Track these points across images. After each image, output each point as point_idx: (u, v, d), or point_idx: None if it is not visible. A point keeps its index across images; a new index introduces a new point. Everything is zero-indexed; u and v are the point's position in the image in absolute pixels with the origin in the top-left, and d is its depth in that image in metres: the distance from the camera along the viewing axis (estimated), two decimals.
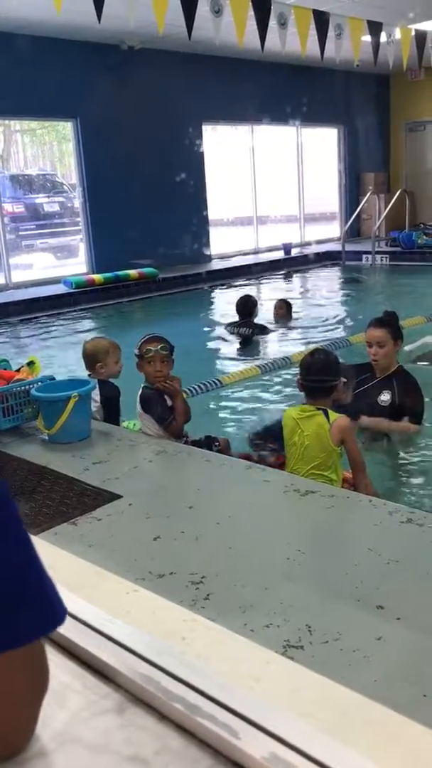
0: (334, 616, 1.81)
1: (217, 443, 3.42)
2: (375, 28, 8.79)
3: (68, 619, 0.67)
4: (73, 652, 0.74)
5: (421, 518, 2.32)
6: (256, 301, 7.63)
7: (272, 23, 7.41)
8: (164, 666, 0.65)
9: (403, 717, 0.66)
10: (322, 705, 0.64)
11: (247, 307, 7.37)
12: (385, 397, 3.89)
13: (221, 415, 4.63)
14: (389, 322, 4.04)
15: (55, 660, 0.71)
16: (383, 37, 9.01)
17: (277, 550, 2.20)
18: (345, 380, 3.30)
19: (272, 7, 7.32)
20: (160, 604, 0.93)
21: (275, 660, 0.75)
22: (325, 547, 2.28)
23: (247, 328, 7.22)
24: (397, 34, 9.23)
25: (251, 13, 7.17)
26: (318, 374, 3.07)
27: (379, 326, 3.98)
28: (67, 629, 0.75)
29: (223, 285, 11.21)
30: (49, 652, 0.68)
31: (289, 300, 8.21)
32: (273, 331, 7.49)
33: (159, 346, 3.35)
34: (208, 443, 3.41)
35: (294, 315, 8.07)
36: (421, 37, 9.56)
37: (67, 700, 0.68)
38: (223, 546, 2.23)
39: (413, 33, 9.45)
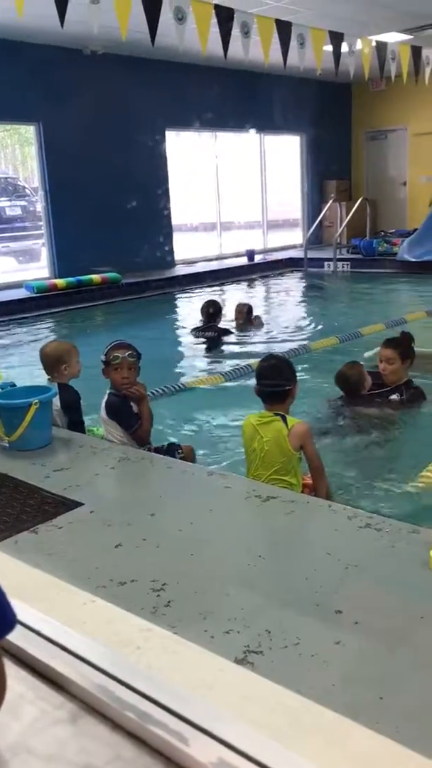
0: (293, 621, 1.83)
1: (180, 450, 3.42)
2: (336, 38, 8.91)
3: (24, 630, 0.67)
4: (27, 663, 0.74)
5: (380, 523, 2.35)
6: (220, 306, 7.67)
7: (235, 31, 7.47)
8: (118, 675, 0.66)
9: (351, 721, 0.68)
10: (272, 711, 0.66)
11: (211, 311, 7.42)
12: (394, 396, 4.44)
13: (184, 421, 4.64)
14: (400, 343, 4.50)
15: (9, 671, 0.71)
16: (345, 48, 9.15)
17: (238, 556, 2.22)
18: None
19: (235, 16, 7.38)
20: (116, 614, 0.93)
21: (228, 668, 0.76)
22: (285, 552, 2.30)
23: (212, 333, 7.26)
24: (359, 44, 9.38)
25: (215, 20, 7.23)
26: (272, 379, 3.09)
27: (388, 346, 4.49)
28: (23, 640, 0.75)
29: (187, 290, 11.22)
30: (5, 664, 0.67)
31: (249, 303, 8.28)
32: (235, 334, 7.54)
33: (126, 353, 3.35)
34: (171, 450, 3.42)
35: (257, 320, 8.13)
36: (382, 48, 9.73)
37: (21, 710, 0.68)
38: (185, 553, 2.24)
39: (374, 44, 9.61)
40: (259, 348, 7.02)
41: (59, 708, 0.68)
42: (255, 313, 8.23)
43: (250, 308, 8.09)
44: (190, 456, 3.45)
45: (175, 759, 0.58)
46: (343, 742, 0.63)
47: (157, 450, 3.42)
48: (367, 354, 5.91)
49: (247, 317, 7.96)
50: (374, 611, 1.86)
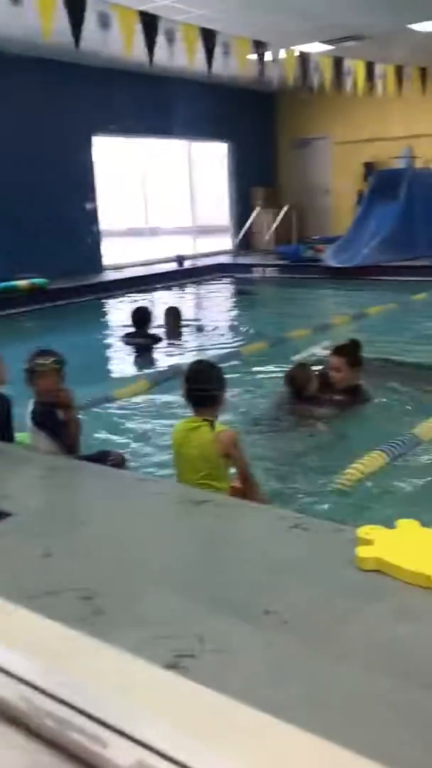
0: (224, 623, 1.85)
1: (110, 458, 3.41)
2: (260, 47, 9.06)
3: None
4: None
5: (307, 523, 2.41)
6: (150, 312, 7.66)
7: (161, 38, 7.50)
8: (36, 683, 0.66)
9: (276, 719, 0.70)
10: (195, 712, 0.67)
11: (141, 317, 7.41)
12: (339, 398, 4.65)
13: (114, 429, 4.61)
14: (347, 352, 4.70)
15: None
16: (269, 57, 9.31)
17: (170, 561, 2.23)
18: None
19: (160, 23, 7.40)
20: (40, 624, 0.93)
21: (153, 672, 0.77)
22: (216, 555, 2.32)
23: (142, 339, 7.25)
24: (282, 54, 9.56)
25: (140, 26, 7.23)
26: (200, 384, 3.10)
27: (336, 354, 4.71)
28: None
29: (116, 296, 11.15)
30: None
31: (178, 308, 8.30)
32: (165, 339, 7.55)
33: (50, 360, 3.31)
34: (101, 458, 3.40)
35: (186, 324, 8.16)
36: (305, 58, 9.95)
37: None
38: (116, 560, 2.23)
39: (297, 54, 9.82)
40: (190, 353, 7.04)
41: None
42: (185, 318, 8.27)
43: (178, 313, 8.12)
44: (120, 463, 3.44)
45: (94, 762, 0.59)
46: (267, 739, 0.65)
47: (87, 458, 3.39)
48: (295, 358, 6.01)
49: (175, 322, 7.98)
50: (302, 610, 1.90)
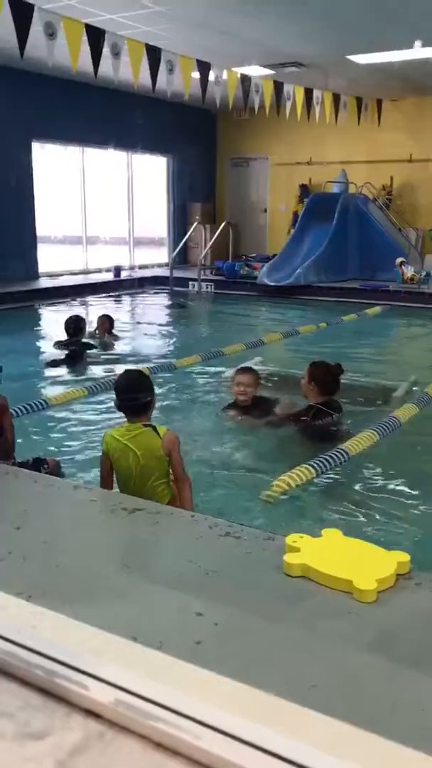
0: (157, 624, 1.93)
1: (45, 464, 3.44)
2: (204, 67, 9.25)
3: None
4: None
5: (238, 531, 2.51)
6: (84, 321, 7.68)
7: (106, 51, 7.58)
8: (26, 644, 0.74)
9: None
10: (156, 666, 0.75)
11: (75, 326, 7.42)
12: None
13: (49, 436, 4.62)
14: (253, 370, 5.03)
15: None
16: (212, 77, 9.52)
17: (104, 566, 2.28)
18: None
19: (106, 37, 7.48)
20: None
21: (115, 640, 0.85)
22: (150, 561, 2.40)
23: (75, 347, 7.25)
24: (225, 75, 9.79)
25: (86, 38, 7.29)
26: (133, 393, 3.17)
27: (244, 372, 4.97)
28: None
29: (51, 304, 11.08)
30: None
31: (110, 316, 8.34)
32: (98, 348, 7.58)
33: None
34: (36, 465, 3.42)
35: (122, 335, 8.21)
36: (246, 80, 10.21)
37: None
38: (51, 565, 2.28)
39: (239, 76, 10.06)
40: (124, 361, 7.10)
41: None
42: (121, 329, 8.32)
43: (111, 321, 8.17)
44: (55, 470, 3.47)
45: (77, 702, 0.68)
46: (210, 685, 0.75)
47: (22, 464, 3.40)
48: (228, 373, 6.15)
49: (108, 330, 8.03)
50: (232, 612, 2.00)
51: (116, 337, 8.11)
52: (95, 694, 0.71)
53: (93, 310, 10.86)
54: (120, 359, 7.37)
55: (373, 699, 1.60)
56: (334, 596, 2.06)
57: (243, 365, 5.08)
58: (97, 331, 8.03)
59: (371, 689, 1.64)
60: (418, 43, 9.34)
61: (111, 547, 2.48)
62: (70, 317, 7.64)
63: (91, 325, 8.07)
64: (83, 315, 8.39)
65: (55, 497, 2.91)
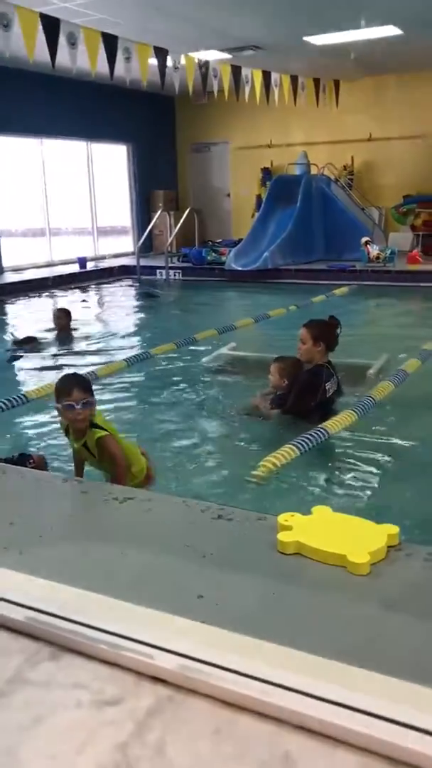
0: (159, 607, 1.97)
1: (31, 460, 3.45)
2: (161, 53, 9.20)
3: None
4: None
5: (230, 513, 2.56)
6: (69, 312, 7.66)
7: (62, 41, 7.49)
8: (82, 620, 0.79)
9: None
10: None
11: (67, 318, 7.41)
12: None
13: (32, 432, 4.62)
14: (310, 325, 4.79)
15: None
16: (169, 62, 9.47)
17: (102, 555, 2.31)
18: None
19: (61, 26, 7.40)
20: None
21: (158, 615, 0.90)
22: (146, 548, 2.43)
23: (33, 344, 7.25)
24: (182, 60, 9.74)
25: (41, 28, 7.20)
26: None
27: (304, 326, 4.78)
28: None
29: (17, 298, 10.98)
30: None
31: (68, 309, 8.29)
32: (54, 341, 7.56)
33: None
34: (21, 461, 3.43)
35: (92, 327, 8.19)
36: (204, 65, 10.18)
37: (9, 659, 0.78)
38: (51, 557, 2.30)
39: (197, 61, 10.03)
40: (100, 356, 7.09)
41: (37, 653, 0.80)
42: (90, 321, 8.28)
43: (69, 314, 8.10)
44: (41, 465, 3.48)
45: (145, 671, 0.73)
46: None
47: (7, 461, 3.41)
48: (204, 360, 6.19)
49: (66, 325, 7.96)
50: (232, 593, 2.05)
51: (74, 331, 8.00)
52: (160, 662, 0.76)
53: (62, 302, 10.79)
54: (98, 352, 7.35)
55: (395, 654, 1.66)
56: (330, 570, 2.12)
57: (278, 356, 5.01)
58: (55, 326, 7.92)
59: (394, 645, 1.69)
60: (363, 23, 9.40)
61: (105, 537, 2.51)
62: (60, 309, 7.60)
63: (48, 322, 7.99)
64: (52, 307, 8.34)
65: (45, 491, 2.93)
